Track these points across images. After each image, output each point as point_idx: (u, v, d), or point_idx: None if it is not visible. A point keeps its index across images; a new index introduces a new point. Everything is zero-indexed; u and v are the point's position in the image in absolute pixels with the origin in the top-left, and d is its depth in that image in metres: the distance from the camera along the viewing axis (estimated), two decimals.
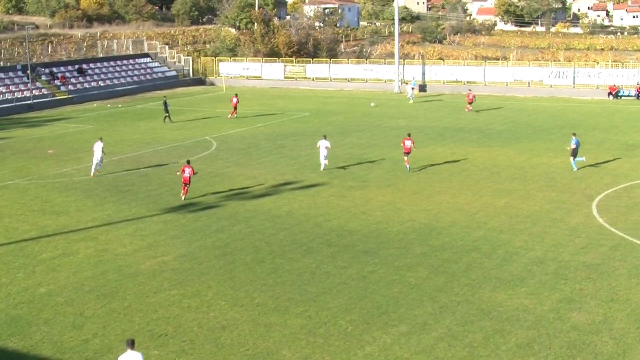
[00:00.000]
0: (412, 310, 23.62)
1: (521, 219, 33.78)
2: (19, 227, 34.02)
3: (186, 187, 38.12)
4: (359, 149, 51.81)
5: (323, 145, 43.70)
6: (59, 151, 52.56)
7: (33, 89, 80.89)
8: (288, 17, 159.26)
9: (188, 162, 38.72)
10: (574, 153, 43.89)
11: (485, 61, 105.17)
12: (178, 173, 39.44)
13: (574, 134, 44.74)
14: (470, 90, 76.56)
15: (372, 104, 73.52)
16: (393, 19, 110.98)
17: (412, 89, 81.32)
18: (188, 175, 37.75)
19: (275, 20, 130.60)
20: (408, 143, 44.10)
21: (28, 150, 53.37)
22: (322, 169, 43.22)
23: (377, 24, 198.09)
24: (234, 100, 67.47)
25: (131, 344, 17.62)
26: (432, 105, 77.05)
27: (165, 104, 65.85)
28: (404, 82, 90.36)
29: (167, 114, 65.47)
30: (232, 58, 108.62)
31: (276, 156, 49.64)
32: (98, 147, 43.45)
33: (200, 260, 28.90)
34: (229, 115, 67.19)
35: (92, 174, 43.67)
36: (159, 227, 33.52)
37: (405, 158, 44.32)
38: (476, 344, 21.17)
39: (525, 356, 20.37)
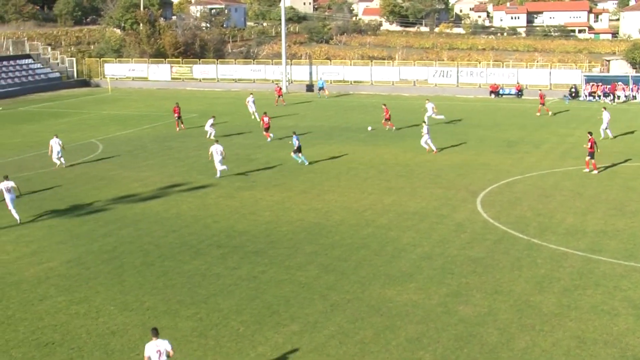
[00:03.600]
0: (303, 309, 23.72)
1: (408, 216, 34.35)
2: None
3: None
4: (246, 149, 51.70)
5: (216, 150, 42.69)
6: None
7: None
8: (174, 18, 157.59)
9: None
10: (297, 150, 45.64)
11: (371, 61, 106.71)
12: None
13: (294, 132, 46.93)
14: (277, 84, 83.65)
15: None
16: (280, 19, 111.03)
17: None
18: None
19: (161, 20, 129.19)
20: (266, 119, 54.43)
21: None
22: (217, 175, 42.22)
23: (264, 24, 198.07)
24: (176, 109, 61.15)
25: (156, 333, 18.09)
26: (320, 104, 77.59)
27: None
28: (289, 81, 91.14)
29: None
30: (117, 59, 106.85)
31: (163, 158, 49.04)
32: None
33: (87, 265, 28.28)
34: (177, 129, 60.95)
35: None
36: (44, 233, 32.62)
37: (268, 132, 54.17)
38: (367, 340, 21.42)
39: (415, 350, 20.73)
